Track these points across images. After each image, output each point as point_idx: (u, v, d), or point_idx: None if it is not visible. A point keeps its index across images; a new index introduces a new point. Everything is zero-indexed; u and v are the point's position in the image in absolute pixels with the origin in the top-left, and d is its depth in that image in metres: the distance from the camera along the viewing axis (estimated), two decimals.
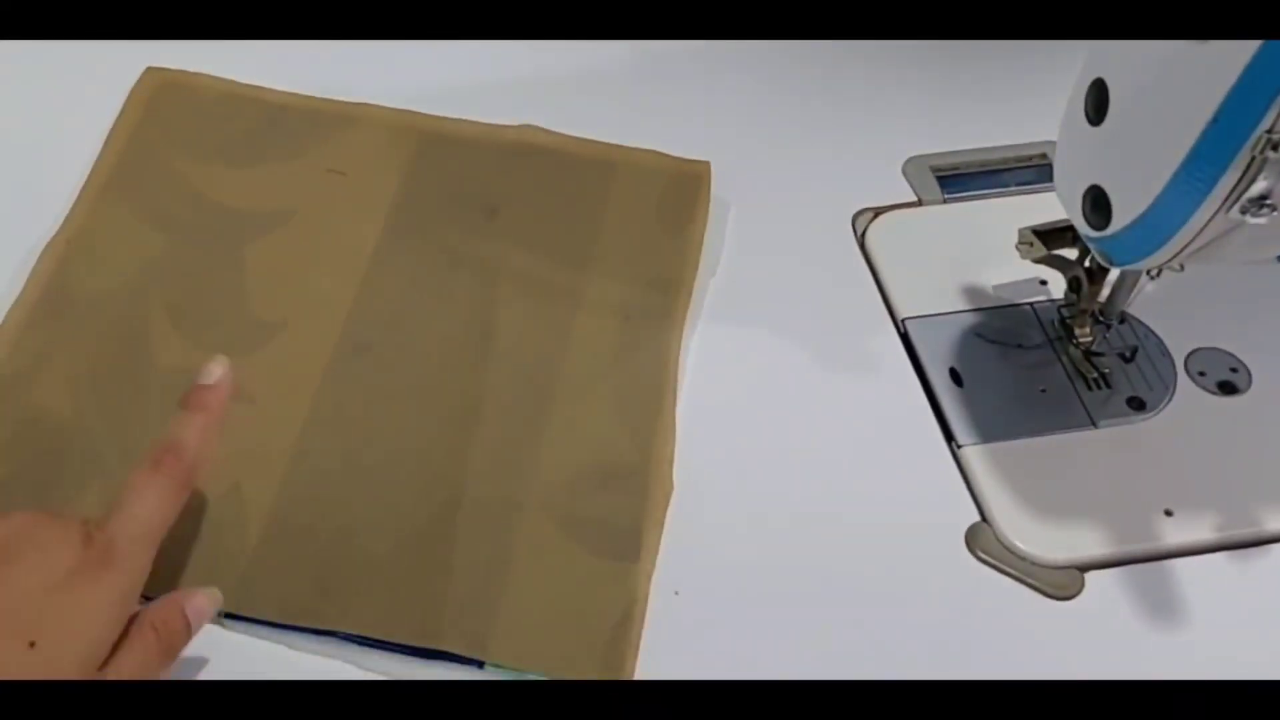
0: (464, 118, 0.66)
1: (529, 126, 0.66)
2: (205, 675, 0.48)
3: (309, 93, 0.67)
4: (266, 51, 0.66)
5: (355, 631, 0.49)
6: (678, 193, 0.64)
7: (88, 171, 0.63)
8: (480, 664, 0.49)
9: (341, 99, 0.66)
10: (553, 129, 0.66)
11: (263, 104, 0.66)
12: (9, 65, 0.67)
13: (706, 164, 0.65)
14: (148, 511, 0.46)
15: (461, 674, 0.48)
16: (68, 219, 0.61)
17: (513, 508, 0.53)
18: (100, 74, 0.66)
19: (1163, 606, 0.52)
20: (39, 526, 0.44)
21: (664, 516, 0.53)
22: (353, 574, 0.51)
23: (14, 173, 0.63)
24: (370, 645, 0.49)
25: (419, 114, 0.66)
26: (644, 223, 0.63)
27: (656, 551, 0.52)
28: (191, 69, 0.67)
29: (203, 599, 0.47)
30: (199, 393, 0.49)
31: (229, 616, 0.49)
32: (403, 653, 0.49)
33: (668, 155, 0.65)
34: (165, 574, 0.49)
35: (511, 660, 0.48)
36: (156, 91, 0.66)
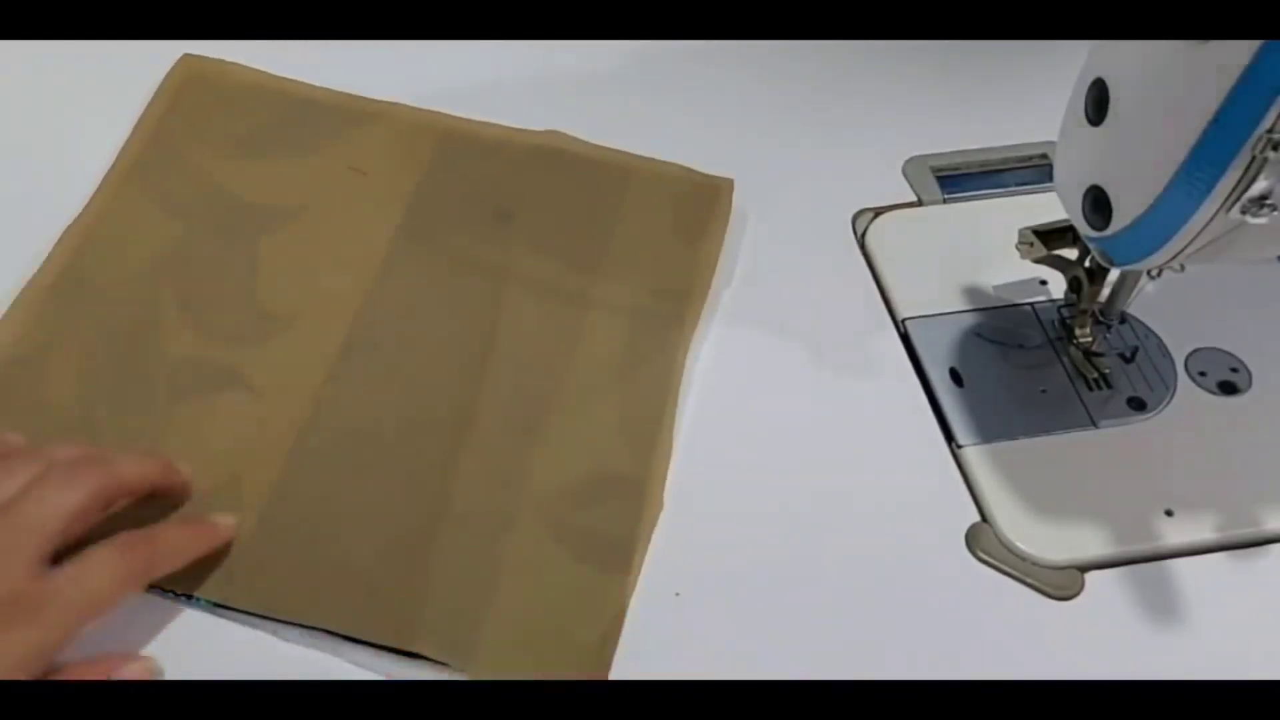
0: (483, 118, 0.66)
1: (552, 131, 0.66)
2: (203, 675, 0.48)
3: (337, 89, 0.67)
4: (298, 50, 0.67)
5: (336, 629, 0.49)
6: (696, 205, 0.63)
7: (112, 159, 0.63)
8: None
9: (367, 96, 0.67)
10: (560, 130, 0.66)
11: (288, 97, 0.66)
12: (47, 60, 0.67)
13: (730, 180, 0.64)
14: (99, 588, 0.45)
15: (454, 674, 0.48)
16: (87, 206, 0.61)
17: (504, 515, 0.53)
18: (132, 69, 0.66)
19: (1163, 606, 0.52)
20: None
21: (652, 532, 0.53)
22: (338, 573, 0.51)
23: (43, 161, 0.63)
24: (361, 643, 0.49)
25: (442, 114, 0.66)
26: (659, 233, 0.62)
27: (641, 566, 0.52)
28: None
29: (137, 668, 0.47)
30: (203, 525, 0.50)
31: (218, 606, 0.49)
32: (394, 652, 0.49)
33: (691, 169, 0.65)
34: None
35: (489, 671, 0.48)
36: (186, 81, 0.66)
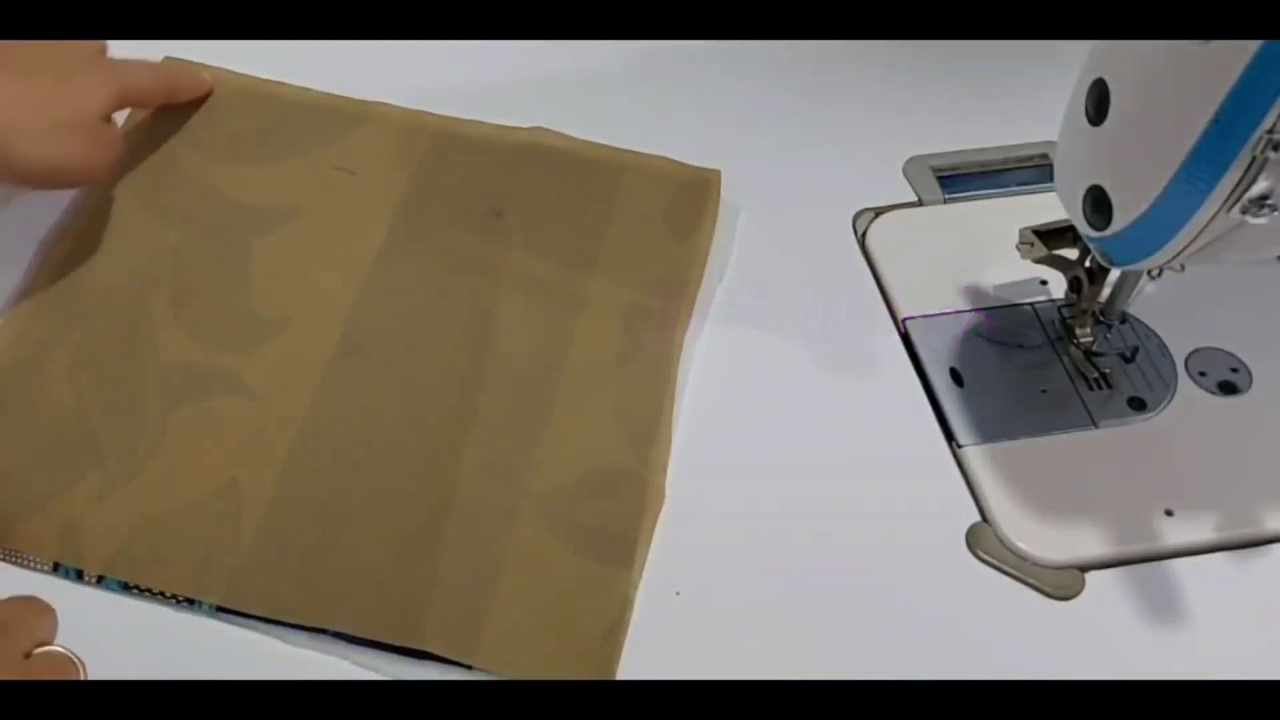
0: (474, 118, 0.66)
1: (539, 129, 0.66)
2: (201, 674, 0.48)
3: (324, 90, 0.67)
4: (283, 50, 0.66)
5: (341, 630, 0.49)
6: (687, 199, 0.64)
7: None
8: (469, 666, 0.49)
9: (355, 97, 0.67)
10: (559, 130, 0.66)
11: (276, 100, 0.66)
12: None
13: (717, 171, 0.64)
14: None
15: (457, 674, 0.48)
16: (77, 211, 0.61)
17: (505, 512, 0.53)
18: None
19: (1163, 606, 0.52)
20: None
21: (655, 525, 0.53)
22: (342, 574, 0.51)
23: None
24: (364, 644, 0.49)
25: (430, 114, 0.66)
26: (651, 228, 0.62)
27: (645, 559, 0.52)
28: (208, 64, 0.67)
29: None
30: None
31: (220, 610, 0.49)
32: (397, 652, 0.49)
33: (678, 162, 0.65)
34: (158, 564, 0.50)
35: (496, 666, 0.48)
36: None
